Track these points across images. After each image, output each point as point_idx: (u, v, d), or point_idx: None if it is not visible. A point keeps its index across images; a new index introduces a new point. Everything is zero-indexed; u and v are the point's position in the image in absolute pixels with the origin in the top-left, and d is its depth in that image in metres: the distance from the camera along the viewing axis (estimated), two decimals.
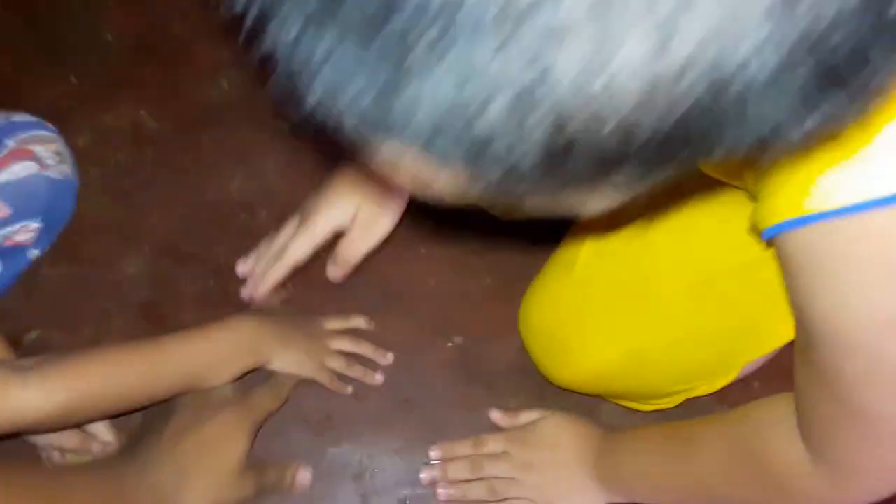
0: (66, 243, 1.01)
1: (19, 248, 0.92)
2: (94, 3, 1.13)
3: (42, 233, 0.92)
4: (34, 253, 0.95)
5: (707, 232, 0.78)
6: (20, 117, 0.90)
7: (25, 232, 0.90)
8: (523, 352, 0.97)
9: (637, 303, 0.79)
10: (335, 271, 0.87)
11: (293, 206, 1.04)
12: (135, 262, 1.02)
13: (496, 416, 0.94)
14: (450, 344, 1.00)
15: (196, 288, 1.01)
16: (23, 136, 0.88)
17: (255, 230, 1.03)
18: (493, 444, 0.89)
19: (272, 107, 1.07)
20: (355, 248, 0.85)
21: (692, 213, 0.79)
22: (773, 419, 0.63)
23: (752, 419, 0.67)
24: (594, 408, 0.94)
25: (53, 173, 0.89)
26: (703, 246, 0.78)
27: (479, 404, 0.96)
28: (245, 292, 0.93)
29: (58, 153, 0.91)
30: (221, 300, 1.00)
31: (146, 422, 0.86)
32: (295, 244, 0.85)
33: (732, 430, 0.70)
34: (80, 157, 1.04)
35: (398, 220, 0.86)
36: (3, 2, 1.12)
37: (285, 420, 0.95)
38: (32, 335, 0.98)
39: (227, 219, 1.04)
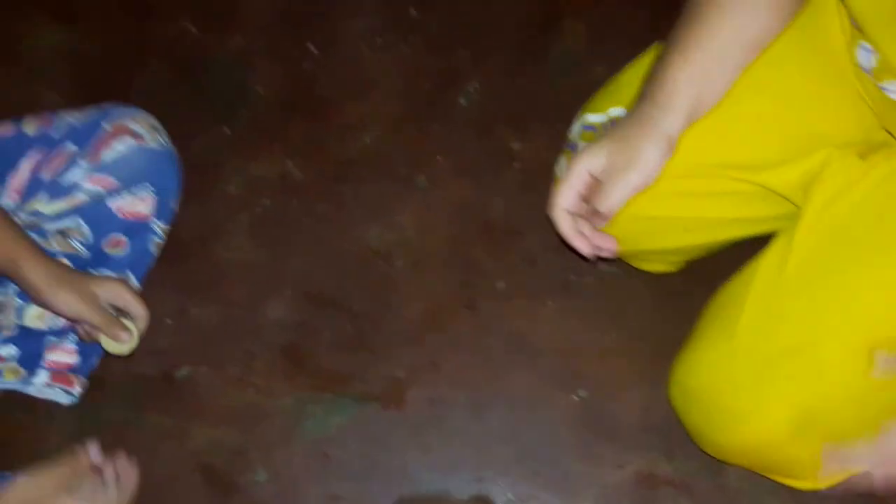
0: (212, 284, 1.09)
1: (142, 223, 0.98)
2: (245, 58, 1.21)
3: (158, 204, 0.98)
4: (154, 225, 0.99)
5: (877, 295, 0.76)
6: (109, 105, 0.97)
7: (142, 203, 0.96)
8: (649, 409, 0.99)
9: (805, 367, 0.77)
10: (597, 222, 0.82)
11: (428, 256, 1.10)
12: (278, 305, 1.08)
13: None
14: (574, 397, 1.02)
15: (334, 333, 1.06)
16: (117, 118, 0.95)
17: (391, 279, 1.08)
18: None
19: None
20: (610, 194, 0.78)
21: (857, 273, 0.77)
22: None
23: None
24: (720, 470, 0.95)
25: (150, 144, 0.95)
26: (872, 309, 0.76)
27: (602, 460, 0.98)
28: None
29: (152, 127, 0.97)
30: (358, 346, 1.05)
31: None
32: (556, 195, 0.80)
33: None
34: (230, 203, 1.13)
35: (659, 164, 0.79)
36: (160, 55, 1.21)
37: (407, 463, 1.00)
38: (183, 371, 1.05)
39: (365, 267, 1.09)
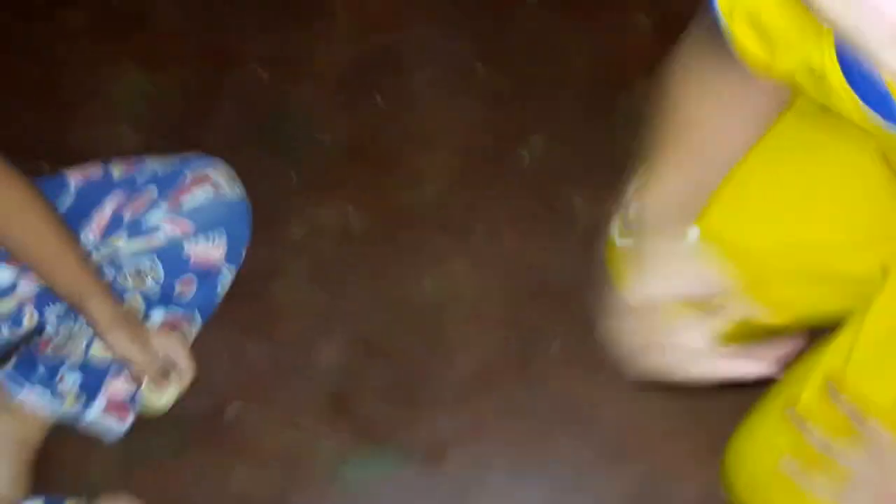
0: (269, 324, 1.11)
1: (213, 267, 1.02)
2: (315, 106, 1.25)
3: (230, 250, 1.02)
4: (224, 269, 1.03)
5: None
6: (191, 154, 1.02)
7: (215, 249, 1.01)
8: (704, 496, 0.95)
9: None
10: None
11: (481, 311, 1.09)
12: (329, 350, 1.09)
13: None
14: (624, 474, 0.99)
15: (381, 382, 1.06)
16: (198, 167, 1.00)
17: (442, 331, 1.08)
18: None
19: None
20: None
21: None
22: None
23: None
24: None
25: (227, 194, 1.00)
26: None
27: None
28: None
29: (230, 178, 1.01)
30: (404, 397, 1.05)
31: None
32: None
33: None
34: (292, 247, 1.15)
35: None
36: (235, 100, 1.26)
37: None
38: (233, 408, 1.07)
39: (416, 316, 1.09)
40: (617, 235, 0.87)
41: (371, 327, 1.09)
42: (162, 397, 0.93)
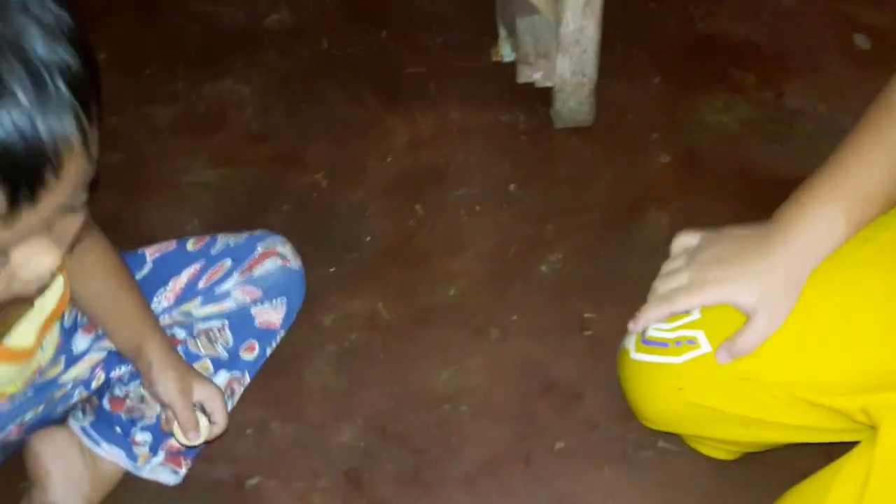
0: (294, 403, 1.18)
1: (271, 330, 1.11)
2: (362, 211, 1.37)
3: (286, 315, 1.11)
4: (281, 333, 1.13)
5: None
6: (260, 231, 1.13)
7: (276, 313, 1.10)
8: None
9: None
10: (723, 357, 0.82)
11: (491, 406, 1.16)
12: (348, 431, 1.15)
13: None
14: None
15: (393, 465, 1.12)
16: (268, 241, 1.11)
17: (454, 422, 1.15)
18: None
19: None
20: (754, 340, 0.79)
21: None
22: None
23: None
24: None
25: (291, 265, 1.11)
26: None
27: None
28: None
29: (293, 251, 1.12)
30: (414, 481, 1.10)
31: None
32: (681, 297, 0.83)
33: None
34: (322, 334, 1.24)
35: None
36: (292, 200, 1.38)
37: None
38: (253, 481, 1.12)
39: (431, 407, 1.16)
40: (633, 350, 0.94)
41: (388, 413, 1.16)
42: (190, 440, 0.98)
